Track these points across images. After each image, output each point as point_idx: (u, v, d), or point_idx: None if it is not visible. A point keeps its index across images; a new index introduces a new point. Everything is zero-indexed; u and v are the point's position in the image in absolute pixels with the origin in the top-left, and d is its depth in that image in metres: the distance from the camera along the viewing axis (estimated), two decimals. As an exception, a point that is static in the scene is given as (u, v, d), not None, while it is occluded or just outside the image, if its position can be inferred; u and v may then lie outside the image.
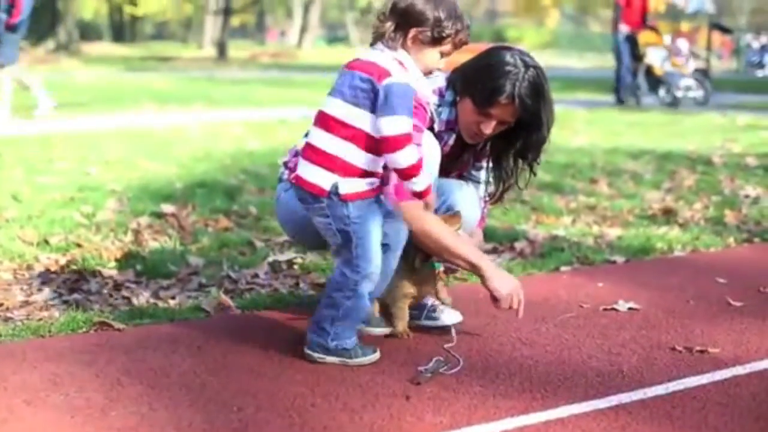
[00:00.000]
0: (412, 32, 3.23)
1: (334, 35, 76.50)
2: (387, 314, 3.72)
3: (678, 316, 4.03)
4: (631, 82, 17.19)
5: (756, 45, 36.64)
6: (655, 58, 16.90)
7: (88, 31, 53.36)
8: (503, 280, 3.53)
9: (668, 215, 6.24)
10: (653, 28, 17.51)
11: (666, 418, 2.95)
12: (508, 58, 3.53)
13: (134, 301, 4.22)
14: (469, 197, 3.81)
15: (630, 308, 4.12)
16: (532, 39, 59.75)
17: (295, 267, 4.80)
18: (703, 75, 21.27)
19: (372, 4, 58.15)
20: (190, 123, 12.33)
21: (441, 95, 3.65)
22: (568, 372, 3.33)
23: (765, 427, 2.89)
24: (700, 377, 3.30)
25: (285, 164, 3.90)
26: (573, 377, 3.28)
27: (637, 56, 17.07)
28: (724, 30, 27.35)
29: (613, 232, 5.65)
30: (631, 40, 17.09)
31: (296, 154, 3.78)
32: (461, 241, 3.55)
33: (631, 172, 8.18)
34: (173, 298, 4.27)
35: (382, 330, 3.71)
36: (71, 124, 12.19)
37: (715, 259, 5.15)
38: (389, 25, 3.24)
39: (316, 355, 3.35)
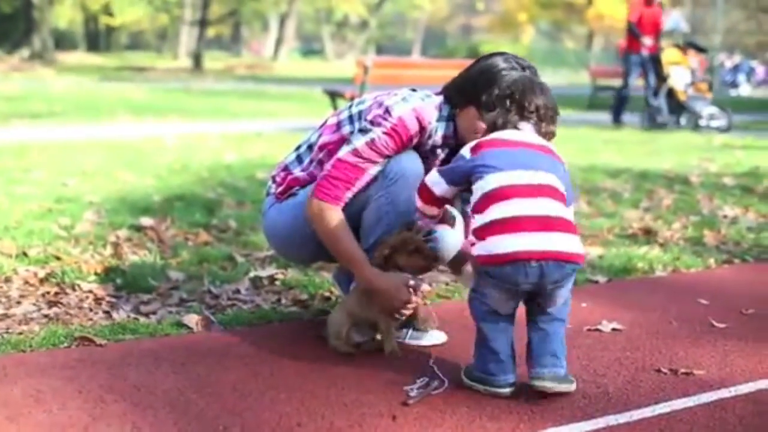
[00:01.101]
0: None
1: (309, 48, 76.62)
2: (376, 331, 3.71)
3: (661, 337, 4.02)
4: (647, 104, 16.31)
5: (729, 64, 36.93)
6: (678, 80, 16.02)
7: (63, 40, 53.17)
8: (383, 276, 3.54)
9: (648, 235, 6.24)
10: (679, 47, 16.83)
11: (653, 441, 2.94)
12: (503, 63, 3.54)
13: (114, 315, 4.18)
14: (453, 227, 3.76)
15: (613, 329, 4.12)
16: (508, 54, 59.80)
17: (277, 283, 4.77)
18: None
19: (348, 18, 58.34)
20: (166, 134, 12.29)
21: (439, 110, 3.64)
22: (555, 393, 3.31)
23: (752, 452, 2.89)
24: (686, 400, 3.29)
25: (273, 178, 3.89)
26: (559, 399, 3.26)
27: (660, 75, 16.15)
28: (699, 49, 27.44)
29: (594, 251, 5.64)
30: (655, 60, 16.20)
31: (285, 168, 3.81)
32: (351, 240, 3.60)
33: (610, 191, 8.20)
34: (154, 313, 4.23)
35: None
36: (47, 133, 12.12)
37: (696, 280, 5.15)
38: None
39: None
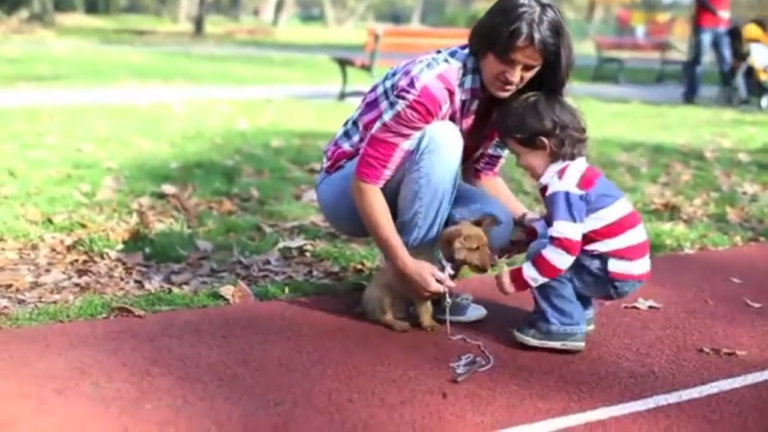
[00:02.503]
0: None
1: (309, 14, 76.32)
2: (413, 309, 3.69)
3: (699, 316, 4.01)
4: (723, 84, 15.41)
5: (732, 38, 36.77)
6: (760, 58, 14.91)
7: (61, 2, 52.80)
8: (414, 265, 3.54)
9: (671, 210, 6.21)
10: (759, 22, 15.57)
11: (705, 421, 2.93)
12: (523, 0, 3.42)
13: (147, 285, 4.15)
14: (501, 214, 3.73)
15: (650, 306, 4.10)
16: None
17: (307, 254, 4.74)
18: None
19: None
20: (173, 99, 12.22)
21: (464, 65, 3.54)
22: (600, 372, 3.30)
23: (806, 435, 2.87)
24: (732, 380, 3.27)
25: (325, 153, 3.93)
26: (606, 377, 3.25)
27: (739, 54, 15.05)
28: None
29: (620, 227, 5.60)
30: (733, 35, 15.08)
31: (335, 144, 3.82)
32: (395, 231, 3.59)
33: (627, 165, 8.16)
34: (186, 283, 4.20)
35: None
36: (54, 97, 12.04)
37: (725, 258, 5.13)
38: None
39: None
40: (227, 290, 3.98)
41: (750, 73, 14.85)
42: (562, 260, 3.36)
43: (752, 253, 5.30)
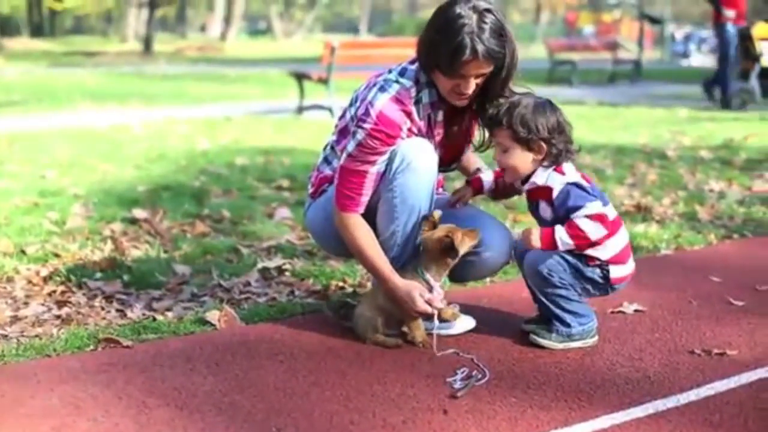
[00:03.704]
0: None
1: (256, 27, 76.22)
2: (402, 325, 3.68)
3: (685, 318, 4.03)
4: (738, 86, 14.54)
5: (679, 35, 37.23)
6: None
7: (5, 26, 52.35)
8: (403, 288, 3.54)
9: (642, 212, 6.24)
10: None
11: (706, 424, 2.94)
12: (457, 10, 3.35)
13: (129, 314, 4.11)
14: (500, 241, 3.73)
15: (636, 310, 4.12)
16: (456, 30, 59.83)
17: (287, 274, 4.71)
18: (636, 66, 21.63)
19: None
20: (131, 121, 12.12)
21: (417, 81, 3.52)
22: (596, 379, 3.30)
23: (807, 433, 2.89)
24: (727, 381, 3.29)
25: (309, 179, 3.96)
26: (603, 385, 3.25)
27: (751, 55, 14.37)
28: (654, 20, 27.70)
29: (594, 231, 5.62)
30: (743, 35, 14.33)
31: (317, 170, 3.87)
32: (380, 254, 3.59)
33: (591, 167, 8.20)
34: (169, 309, 4.15)
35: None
36: (10, 123, 11.91)
37: (702, 257, 5.17)
38: None
39: None
40: (213, 315, 3.94)
41: (765, 74, 14.29)
42: (596, 231, 3.47)
43: (728, 250, 5.34)
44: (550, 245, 3.50)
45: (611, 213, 3.57)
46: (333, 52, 13.27)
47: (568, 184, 3.49)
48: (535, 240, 3.50)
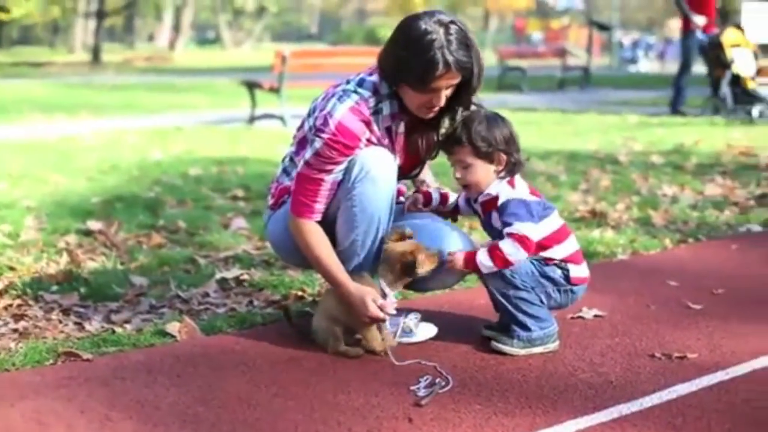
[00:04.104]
0: None
1: (204, 37, 75.92)
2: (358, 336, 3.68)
3: (644, 322, 4.06)
4: (711, 94, 14.27)
5: (627, 41, 37.58)
6: (744, 65, 13.74)
7: (-50, 37, 51.78)
8: (357, 293, 3.54)
9: (597, 217, 6.28)
10: (737, 26, 14.48)
11: (670, 428, 2.96)
12: (423, 26, 3.37)
13: (87, 326, 4.06)
14: (461, 248, 3.72)
15: (595, 315, 4.14)
16: (405, 38, 60.07)
17: (245, 284, 4.69)
18: (585, 73, 21.80)
19: (244, 6, 57.87)
20: (81, 132, 12.01)
21: (376, 91, 3.54)
22: (559, 385, 3.32)
23: (767, 434, 2.92)
24: (688, 384, 3.32)
25: (269, 191, 3.95)
26: (566, 390, 3.27)
27: (722, 62, 13.77)
28: (603, 27, 27.92)
29: (551, 237, 5.65)
30: (713, 43, 13.85)
31: (276, 181, 3.86)
32: (334, 259, 3.59)
33: (545, 174, 8.24)
34: (128, 322, 4.11)
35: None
36: (-41, 136, 11.77)
37: (657, 262, 5.21)
38: None
39: None
40: (173, 327, 3.91)
41: (736, 81, 13.80)
42: (517, 254, 3.50)
43: (683, 255, 5.39)
44: (474, 268, 3.58)
45: (554, 224, 3.65)
46: (284, 61, 13.23)
47: (512, 198, 3.53)
48: (461, 262, 3.56)
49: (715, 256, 5.33)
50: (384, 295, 3.54)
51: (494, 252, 3.50)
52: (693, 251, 5.48)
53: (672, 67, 36.03)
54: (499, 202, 3.55)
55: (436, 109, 3.54)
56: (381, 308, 3.51)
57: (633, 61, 35.59)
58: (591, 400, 3.18)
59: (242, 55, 50.61)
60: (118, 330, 3.98)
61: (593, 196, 7.18)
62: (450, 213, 3.90)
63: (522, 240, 3.49)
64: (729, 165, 8.82)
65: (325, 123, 3.45)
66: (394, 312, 3.57)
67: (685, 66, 14.58)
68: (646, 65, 35.67)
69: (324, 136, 3.44)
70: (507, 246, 3.49)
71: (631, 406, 3.13)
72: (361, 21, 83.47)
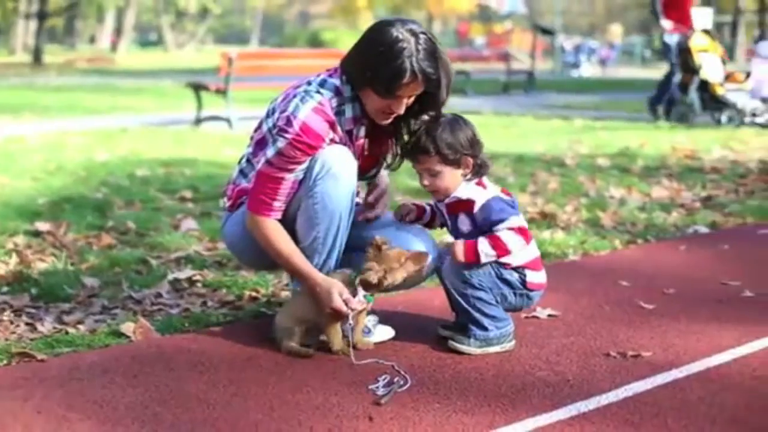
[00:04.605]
0: None
1: (146, 39, 75.34)
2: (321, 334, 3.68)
3: (598, 321, 4.10)
4: (678, 99, 14.02)
5: (569, 46, 37.88)
6: (712, 71, 13.46)
7: None
8: (324, 284, 3.55)
9: (547, 219, 6.33)
10: (706, 31, 14.07)
11: (628, 425, 2.99)
12: (395, 33, 3.41)
13: (39, 327, 4.01)
14: (426, 246, 3.76)
15: (550, 315, 4.17)
16: (349, 40, 60.11)
17: (198, 285, 4.66)
18: (529, 77, 21.95)
19: (187, 8, 57.52)
20: (25, 133, 11.85)
21: (339, 93, 3.56)
22: (517, 383, 3.34)
23: (723, 429, 2.96)
24: (644, 382, 3.35)
25: (224, 194, 3.93)
26: (524, 388, 3.29)
27: (690, 67, 13.56)
28: (546, 32, 28.11)
29: (502, 238, 5.69)
30: (681, 47, 13.68)
31: (233, 183, 3.83)
32: (297, 252, 3.59)
33: (494, 176, 8.26)
34: (81, 323, 4.07)
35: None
36: None
37: (608, 262, 5.26)
38: None
39: None
40: (128, 327, 3.88)
41: (704, 87, 13.54)
42: (517, 243, 3.57)
43: (633, 255, 5.45)
44: (475, 258, 3.56)
45: (522, 222, 3.66)
46: (231, 63, 13.17)
47: (492, 198, 3.58)
48: (460, 254, 3.56)
49: (665, 256, 5.39)
50: (354, 293, 3.54)
51: (496, 241, 3.54)
52: (643, 252, 5.54)
53: (612, 71, 36.52)
54: (477, 206, 3.58)
55: (394, 116, 3.57)
56: (346, 302, 3.51)
57: (575, 65, 35.89)
58: (549, 398, 3.20)
59: (185, 57, 50.29)
60: (71, 331, 3.94)
61: (542, 197, 7.23)
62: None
63: (522, 231, 3.58)
64: (674, 168, 8.93)
65: (289, 123, 3.45)
66: (359, 308, 3.56)
67: (670, 68, 14.28)
68: (589, 70, 35.97)
69: (288, 136, 3.44)
70: (507, 235, 3.55)
71: (588, 404, 3.15)
72: (305, 24, 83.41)
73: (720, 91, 13.44)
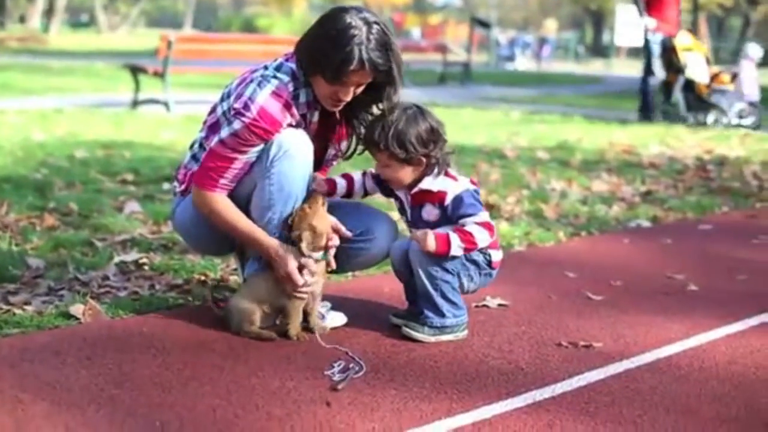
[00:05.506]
0: None
1: (78, 20, 74.35)
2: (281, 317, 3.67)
3: (547, 311, 4.13)
4: (663, 100, 13.90)
5: (504, 39, 38.14)
6: (698, 70, 13.27)
7: None
8: (282, 247, 3.56)
9: (492, 210, 6.35)
10: (690, 31, 14.02)
11: (583, 413, 3.02)
12: (348, 20, 3.42)
13: (-16, 308, 3.94)
14: (388, 229, 3.83)
15: (499, 304, 4.20)
16: (283, 27, 60.04)
17: (145, 268, 4.61)
18: (466, 69, 22.02)
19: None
20: (-44, 112, 11.64)
21: (295, 77, 3.55)
22: (471, 371, 3.35)
23: (677, 419, 3.00)
24: (596, 372, 3.40)
25: (175, 178, 3.90)
26: (479, 376, 3.31)
27: (674, 66, 13.33)
28: (483, 24, 28.23)
29: (447, 228, 5.71)
30: (666, 46, 13.42)
31: (185, 167, 3.82)
32: (245, 219, 3.60)
33: (436, 166, 8.28)
34: (27, 303, 4.00)
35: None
36: None
37: (554, 254, 5.31)
38: None
39: None
40: (77, 309, 3.82)
41: (689, 87, 13.32)
42: (485, 239, 3.61)
43: (577, 247, 5.50)
44: (445, 249, 3.57)
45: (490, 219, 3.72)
46: (170, 46, 13.04)
47: (463, 191, 3.60)
48: (431, 244, 3.55)
49: (609, 249, 5.46)
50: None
51: (465, 236, 3.57)
52: (587, 244, 5.60)
53: (546, 66, 36.82)
54: (449, 198, 3.59)
55: (342, 103, 3.58)
56: (302, 267, 3.52)
57: (510, 59, 36.14)
58: (504, 386, 3.22)
59: (118, 39, 49.74)
60: (18, 312, 3.87)
61: (484, 189, 7.25)
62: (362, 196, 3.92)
63: (488, 226, 3.61)
64: (613, 162, 9.04)
65: (246, 107, 3.43)
66: (315, 270, 3.56)
67: (646, 69, 14.00)
68: (523, 63, 36.24)
69: (245, 119, 3.43)
70: (476, 230, 3.58)
71: (543, 393, 3.18)
72: (238, 9, 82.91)
73: (705, 91, 13.27)
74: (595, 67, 40.15)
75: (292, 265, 3.51)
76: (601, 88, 23.50)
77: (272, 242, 3.56)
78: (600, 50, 53.54)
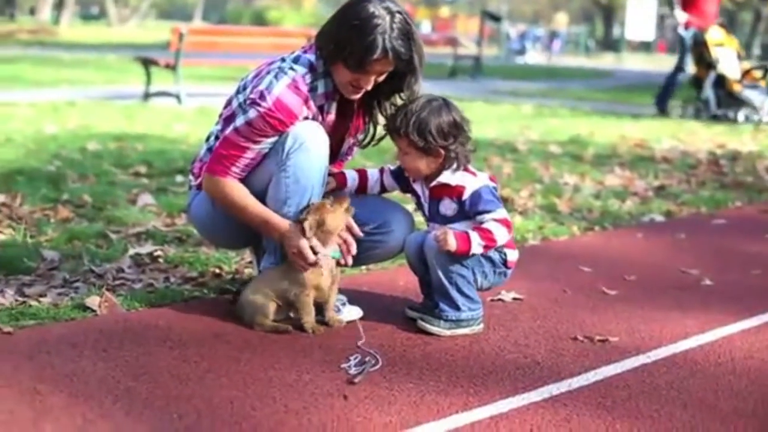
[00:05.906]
0: None
1: (88, 12, 74.46)
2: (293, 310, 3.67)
3: (563, 306, 4.13)
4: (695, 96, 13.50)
5: (514, 33, 38.09)
6: (729, 66, 12.94)
7: None
8: (293, 225, 3.55)
9: (504, 203, 6.31)
10: (721, 25, 13.55)
11: (600, 408, 3.02)
12: (371, 9, 3.44)
13: (1, 299, 3.94)
14: (404, 222, 3.84)
15: (514, 298, 4.20)
16: (294, 20, 60.06)
17: (160, 260, 4.61)
18: (476, 62, 22.00)
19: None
20: (-31, 104, 11.66)
21: (312, 69, 3.56)
22: (487, 365, 3.35)
23: (694, 414, 3.00)
24: (613, 367, 3.39)
25: (191, 172, 3.90)
26: (495, 370, 3.30)
27: (705, 61, 13.03)
28: (494, 18, 28.17)
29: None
30: (697, 40, 13.03)
31: (200, 160, 3.81)
32: (256, 201, 3.59)
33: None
34: (43, 295, 4.01)
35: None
36: None
37: (568, 248, 5.30)
38: None
39: None
40: (93, 301, 3.83)
41: (720, 83, 12.98)
42: (504, 236, 3.64)
43: (592, 242, 5.50)
44: (466, 248, 3.56)
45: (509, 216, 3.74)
46: (182, 38, 13.04)
47: (482, 187, 3.62)
48: (452, 243, 3.55)
49: (623, 244, 5.45)
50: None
51: (485, 233, 3.57)
52: (601, 239, 5.59)
53: (557, 60, 36.75)
54: (467, 193, 3.60)
55: (362, 91, 3.59)
56: (313, 249, 3.52)
57: (521, 52, 36.07)
58: (520, 381, 3.22)
59: (128, 31, 49.78)
60: (34, 304, 3.88)
61: (497, 182, 7.22)
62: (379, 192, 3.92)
63: (507, 223, 3.63)
64: (625, 156, 9.03)
65: (262, 98, 3.44)
66: (326, 253, 3.56)
67: (678, 63, 13.67)
68: (534, 57, 36.19)
69: (260, 109, 3.43)
70: (495, 227, 3.59)
71: (560, 387, 3.18)
72: (248, 2, 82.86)
73: (737, 88, 12.94)
74: (606, 61, 40.11)
75: (304, 241, 3.50)
76: (612, 82, 23.45)
77: (284, 222, 3.56)
78: (610, 44, 53.44)
